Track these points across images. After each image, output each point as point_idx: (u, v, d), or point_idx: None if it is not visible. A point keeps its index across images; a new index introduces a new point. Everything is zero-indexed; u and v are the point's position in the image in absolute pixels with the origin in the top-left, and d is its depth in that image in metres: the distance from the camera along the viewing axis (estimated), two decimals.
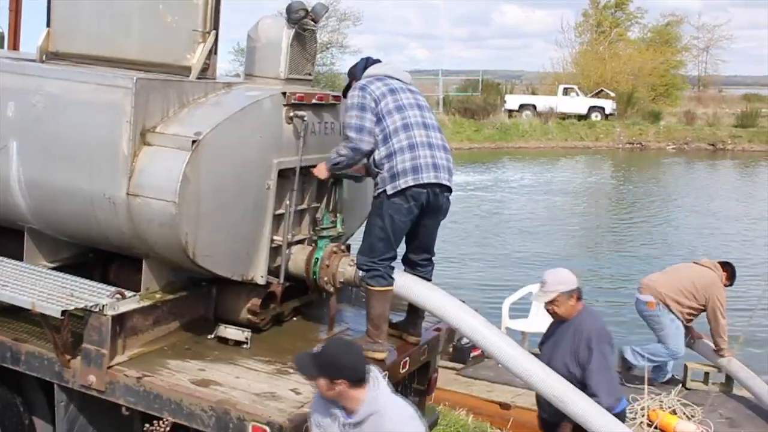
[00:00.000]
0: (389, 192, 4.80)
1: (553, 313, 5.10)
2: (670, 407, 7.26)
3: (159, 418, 4.12)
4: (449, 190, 5.01)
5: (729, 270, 7.95)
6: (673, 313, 7.76)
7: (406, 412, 3.64)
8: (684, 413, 7.17)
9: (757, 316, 9.37)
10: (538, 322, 8.68)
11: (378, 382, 3.63)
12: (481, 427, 7.13)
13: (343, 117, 5.07)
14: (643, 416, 7.15)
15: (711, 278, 7.76)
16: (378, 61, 5.19)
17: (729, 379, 7.95)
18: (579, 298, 5.05)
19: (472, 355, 8.45)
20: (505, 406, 7.51)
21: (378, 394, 3.59)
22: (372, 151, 4.85)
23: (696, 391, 7.89)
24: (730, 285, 8.00)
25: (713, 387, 7.93)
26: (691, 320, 7.91)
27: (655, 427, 6.97)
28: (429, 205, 4.91)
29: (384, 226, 4.84)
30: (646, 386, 7.51)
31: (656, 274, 8.13)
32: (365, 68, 5.12)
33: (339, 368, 3.52)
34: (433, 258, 5.28)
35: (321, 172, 5.08)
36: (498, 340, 5.00)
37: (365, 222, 5.18)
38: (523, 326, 8.68)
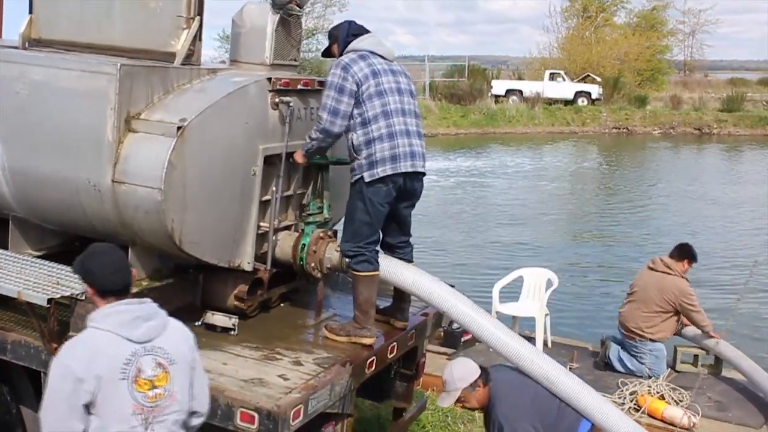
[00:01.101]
0: (367, 179, 4.82)
1: (469, 408, 5.05)
2: (658, 392, 7.29)
3: None
4: (424, 174, 5.06)
5: (686, 253, 7.94)
6: (654, 341, 7.79)
7: (70, 349, 3.21)
8: (672, 398, 7.21)
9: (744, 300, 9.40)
10: (529, 306, 8.74)
11: (117, 311, 3.23)
12: (469, 412, 7.14)
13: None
14: (631, 401, 7.19)
15: (671, 286, 7.73)
16: (362, 27, 5.14)
17: (718, 361, 7.98)
18: (485, 384, 4.78)
19: (463, 339, 8.45)
20: None
21: (98, 317, 3.24)
22: (341, 135, 4.87)
23: (685, 373, 7.93)
24: (695, 262, 8.00)
25: (702, 369, 7.97)
26: (678, 319, 7.92)
27: (643, 412, 7.01)
28: (405, 189, 4.95)
29: (366, 210, 4.85)
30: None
31: (625, 306, 8.07)
32: (348, 35, 5.08)
33: (81, 269, 3.37)
34: (410, 240, 5.30)
35: (298, 157, 5.11)
36: (486, 323, 5.01)
37: None
38: (513, 310, 8.71)
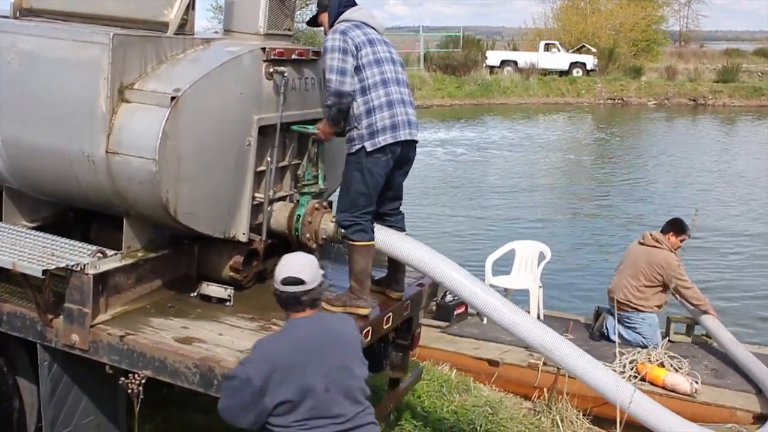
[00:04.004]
0: (369, 149, 4.81)
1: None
2: (657, 360, 7.33)
3: None
4: (417, 143, 5.08)
5: (677, 227, 7.96)
6: (645, 312, 7.81)
7: None
8: (671, 365, 7.25)
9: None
10: (521, 278, 8.76)
11: None
12: (465, 382, 7.20)
13: (322, 62, 5.00)
14: (631, 370, 7.22)
15: (659, 259, 7.77)
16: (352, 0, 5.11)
17: None
18: None
19: (455, 312, 8.47)
20: (493, 363, 7.56)
21: None
22: (352, 94, 4.81)
23: (679, 343, 7.98)
24: (688, 237, 8.03)
25: (697, 339, 8.04)
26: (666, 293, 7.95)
27: (642, 380, 7.05)
28: (401, 157, 4.96)
29: (364, 180, 4.85)
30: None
31: (615, 278, 8.12)
32: (340, 5, 5.03)
33: None
34: (401, 207, 5.31)
35: (325, 128, 5.06)
36: (484, 294, 5.03)
37: None
38: (506, 283, 8.72)
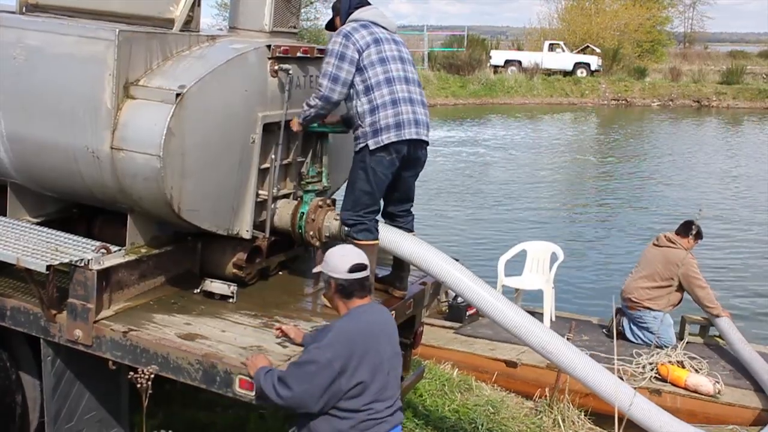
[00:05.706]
0: (372, 147, 4.81)
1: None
2: (677, 360, 7.30)
3: None
4: (427, 143, 5.04)
5: (691, 230, 7.98)
6: (657, 311, 7.81)
7: None
8: (691, 366, 7.23)
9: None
10: (532, 279, 8.75)
11: None
12: (466, 381, 7.20)
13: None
14: (651, 371, 7.20)
15: (674, 258, 7.79)
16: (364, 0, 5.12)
17: None
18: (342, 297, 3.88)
19: (468, 313, 8.45)
20: (511, 364, 7.55)
21: None
22: (339, 103, 4.85)
23: (694, 343, 7.97)
24: (700, 239, 8.05)
25: (710, 340, 8.04)
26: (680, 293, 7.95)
27: (663, 381, 7.02)
28: (409, 158, 4.93)
29: (368, 179, 4.85)
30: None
31: (629, 279, 8.14)
32: (350, 7, 5.04)
33: None
34: (411, 209, 5.30)
35: (294, 125, 5.08)
36: (485, 294, 5.03)
37: None
38: (518, 283, 8.71)
